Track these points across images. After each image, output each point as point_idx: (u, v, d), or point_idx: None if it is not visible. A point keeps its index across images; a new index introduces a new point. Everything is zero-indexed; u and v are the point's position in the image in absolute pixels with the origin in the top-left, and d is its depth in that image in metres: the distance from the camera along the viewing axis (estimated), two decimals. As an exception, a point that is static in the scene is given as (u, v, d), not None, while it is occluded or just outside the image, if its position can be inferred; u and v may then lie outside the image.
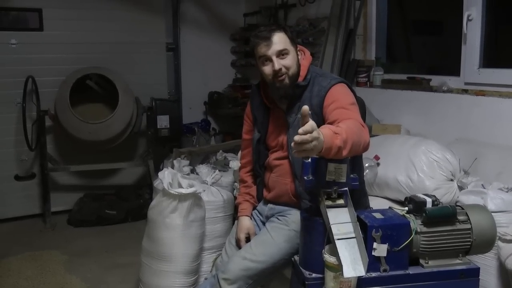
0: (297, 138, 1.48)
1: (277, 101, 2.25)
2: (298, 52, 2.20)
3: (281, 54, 2.11)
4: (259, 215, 2.41)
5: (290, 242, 2.14)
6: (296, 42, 2.20)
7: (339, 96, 2.04)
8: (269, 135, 2.31)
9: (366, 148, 1.83)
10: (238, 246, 2.35)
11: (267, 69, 2.13)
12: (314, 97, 2.10)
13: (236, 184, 3.10)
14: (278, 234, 2.18)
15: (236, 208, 2.58)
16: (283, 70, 2.11)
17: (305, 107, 1.52)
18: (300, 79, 2.16)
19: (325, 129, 1.64)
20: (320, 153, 1.59)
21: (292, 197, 2.21)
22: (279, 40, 2.10)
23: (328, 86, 2.08)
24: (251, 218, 2.40)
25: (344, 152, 1.65)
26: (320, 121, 2.03)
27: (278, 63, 2.10)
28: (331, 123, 1.88)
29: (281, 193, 2.26)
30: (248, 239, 2.32)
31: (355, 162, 1.95)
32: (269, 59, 2.12)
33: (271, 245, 2.17)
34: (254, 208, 2.44)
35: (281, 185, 2.25)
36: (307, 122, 1.50)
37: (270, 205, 2.34)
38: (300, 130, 1.48)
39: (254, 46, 2.15)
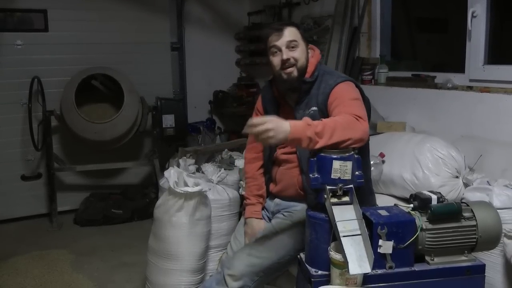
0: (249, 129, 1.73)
1: (286, 97, 2.29)
2: (309, 50, 2.24)
3: (291, 46, 2.15)
4: (265, 211, 2.43)
5: (295, 238, 2.15)
6: (307, 40, 2.25)
7: (342, 93, 2.07)
8: None
9: (357, 140, 1.81)
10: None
11: (275, 59, 2.18)
12: (320, 94, 2.14)
13: (242, 182, 3.11)
14: (283, 230, 2.20)
15: (242, 204, 2.58)
16: (292, 61, 2.15)
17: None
18: (307, 75, 2.20)
19: (300, 121, 1.78)
20: (289, 142, 1.77)
21: (299, 190, 2.24)
22: (290, 32, 2.16)
23: (333, 84, 2.11)
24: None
25: (319, 143, 1.73)
26: (326, 117, 2.04)
27: (286, 54, 2.15)
28: None
29: (288, 186, 2.28)
30: None
31: (361, 161, 1.96)
32: (279, 50, 2.16)
33: (276, 241, 2.18)
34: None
35: (288, 178, 2.28)
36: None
37: (276, 201, 2.36)
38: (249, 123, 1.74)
39: (266, 37, 2.21)
